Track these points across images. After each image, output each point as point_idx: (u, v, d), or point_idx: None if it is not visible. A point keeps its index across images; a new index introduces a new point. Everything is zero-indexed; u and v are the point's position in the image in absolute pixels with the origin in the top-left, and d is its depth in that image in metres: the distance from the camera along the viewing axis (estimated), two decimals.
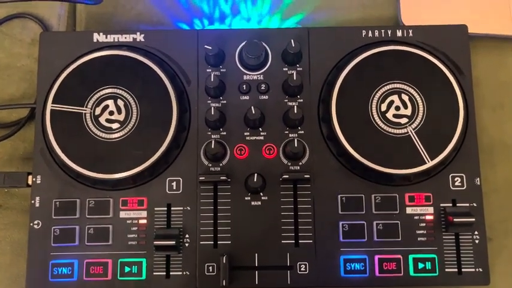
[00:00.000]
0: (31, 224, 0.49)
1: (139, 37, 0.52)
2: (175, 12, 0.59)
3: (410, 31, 0.52)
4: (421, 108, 0.49)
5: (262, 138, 0.50)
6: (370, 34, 0.52)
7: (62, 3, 0.59)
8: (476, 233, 0.49)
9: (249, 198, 0.49)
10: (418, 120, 0.49)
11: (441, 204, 0.49)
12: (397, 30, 0.52)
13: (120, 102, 0.49)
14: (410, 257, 0.48)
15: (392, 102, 0.49)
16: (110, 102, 0.49)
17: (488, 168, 0.54)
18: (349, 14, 0.58)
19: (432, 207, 0.49)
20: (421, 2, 0.57)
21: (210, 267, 0.48)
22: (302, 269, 0.48)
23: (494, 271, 0.50)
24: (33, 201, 0.49)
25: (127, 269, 0.48)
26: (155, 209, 0.49)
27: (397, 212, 0.49)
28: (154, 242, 0.47)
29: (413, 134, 0.48)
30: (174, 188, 0.49)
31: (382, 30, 0.52)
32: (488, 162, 0.54)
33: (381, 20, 0.58)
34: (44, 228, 0.49)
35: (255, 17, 0.58)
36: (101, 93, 0.50)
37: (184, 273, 0.48)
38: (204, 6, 0.58)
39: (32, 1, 0.58)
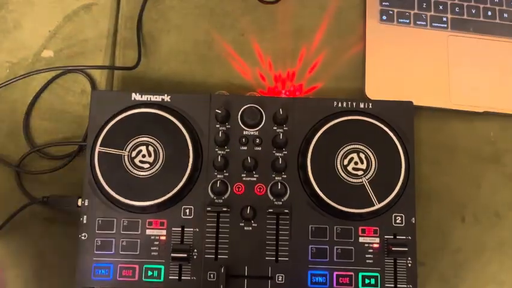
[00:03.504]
0: (79, 236, 0.59)
1: (167, 98, 0.63)
2: (192, 77, 0.70)
3: (370, 104, 0.63)
4: (373, 164, 0.60)
5: (255, 179, 0.61)
6: (340, 104, 0.63)
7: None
8: (409, 258, 0.59)
9: (243, 224, 0.59)
10: (371, 173, 0.60)
11: (385, 236, 0.59)
12: (360, 103, 0.63)
13: (151, 148, 0.60)
14: (360, 274, 0.58)
15: (352, 158, 0.60)
16: (143, 147, 0.60)
17: (424, 209, 0.65)
18: (326, 84, 0.70)
19: (378, 238, 0.59)
20: (382, 79, 0.69)
21: (212, 275, 0.58)
22: (279, 279, 0.58)
23: (425, 286, 0.62)
24: (81, 219, 0.59)
25: (150, 273, 0.58)
26: (172, 229, 0.59)
27: (352, 240, 0.59)
28: (172, 254, 0.57)
29: (367, 183, 0.60)
30: (187, 214, 0.60)
31: (349, 102, 0.63)
32: (424, 205, 0.65)
33: (351, 90, 0.70)
34: (89, 239, 0.59)
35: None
36: (137, 140, 0.60)
37: (192, 278, 0.58)
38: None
39: (81, 68, 0.70)
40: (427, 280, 0.64)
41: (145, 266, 0.59)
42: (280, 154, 0.62)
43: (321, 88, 0.71)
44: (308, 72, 0.72)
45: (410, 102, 0.64)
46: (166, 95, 0.64)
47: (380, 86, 0.70)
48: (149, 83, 0.71)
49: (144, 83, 0.71)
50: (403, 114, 0.64)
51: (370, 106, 0.64)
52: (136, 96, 0.64)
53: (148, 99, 0.64)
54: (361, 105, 0.64)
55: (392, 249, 0.59)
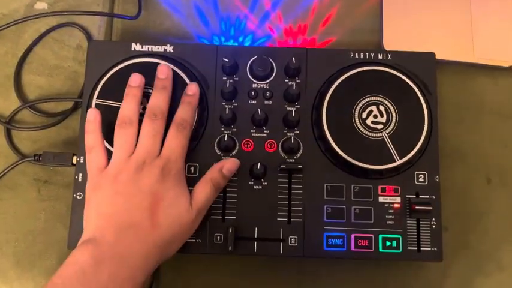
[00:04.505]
0: (74, 195, 0.56)
1: (169, 48, 0.60)
2: (198, 29, 0.67)
3: (389, 55, 0.60)
4: (394, 118, 0.57)
5: (265, 135, 0.58)
6: (356, 56, 0.59)
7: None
8: (433, 219, 0.55)
9: (253, 183, 0.56)
10: (391, 127, 0.57)
11: (407, 195, 0.56)
12: (379, 54, 0.59)
13: None
14: (380, 236, 0.55)
15: (371, 111, 0.57)
16: (144, 100, 0.57)
17: (447, 171, 0.61)
18: (341, 38, 0.67)
19: (399, 197, 0.56)
20: (400, 32, 0.65)
21: (219, 237, 0.55)
22: (292, 242, 0.55)
23: (448, 252, 0.58)
24: (76, 177, 0.56)
25: None
26: None
27: (371, 199, 0.56)
28: None
29: (387, 137, 0.57)
30: (192, 172, 0.57)
31: (366, 53, 0.59)
32: (448, 166, 0.61)
33: (367, 45, 0.66)
34: (84, 198, 0.54)
35: (264, 37, 0.67)
36: None
37: (198, 240, 0.55)
38: (222, 25, 0.68)
39: (78, 14, 0.67)
40: (450, 246, 0.61)
41: None
42: (292, 108, 0.59)
43: (334, 42, 0.67)
44: (321, 26, 0.68)
45: (432, 53, 0.61)
46: (169, 45, 0.61)
47: (399, 38, 0.66)
48: (151, 38, 0.68)
49: (146, 39, 0.68)
50: (424, 66, 0.60)
51: (389, 57, 0.60)
52: (136, 47, 0.61)
53: (150, 50, 0.61)
54: (380, 56, 0.60)
55: (416, 208, 0.56)
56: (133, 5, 0.68)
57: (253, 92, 0.59)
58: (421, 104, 0.58)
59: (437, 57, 0.60)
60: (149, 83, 0.58)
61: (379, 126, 0.57)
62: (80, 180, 0.57)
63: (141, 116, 0.56)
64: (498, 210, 0.62)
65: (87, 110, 0.57)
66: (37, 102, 0.65)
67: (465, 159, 0.63)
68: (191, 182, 0.56)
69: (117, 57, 0.59)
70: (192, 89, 0.57)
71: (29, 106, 0.64)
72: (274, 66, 0.60)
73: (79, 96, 0.64)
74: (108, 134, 0.56)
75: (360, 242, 0.56)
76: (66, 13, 0.65)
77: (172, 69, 0.58)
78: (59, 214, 0.61)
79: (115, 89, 0.58)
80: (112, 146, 0.55)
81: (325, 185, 0.57)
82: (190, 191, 0.53)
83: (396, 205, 0.56)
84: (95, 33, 0.68)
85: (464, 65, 0.66)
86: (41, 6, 0.68)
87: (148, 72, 0.58)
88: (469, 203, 0.62)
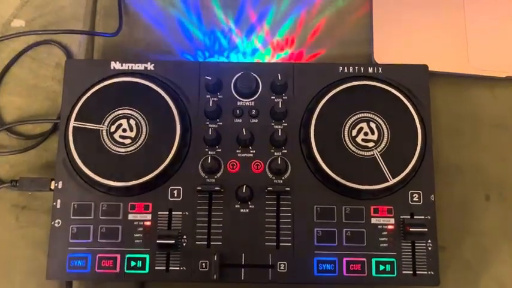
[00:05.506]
0: (52, 223, 0.54)
1: (150, 66, 0.58)
2: (181, 44, 0.65)
3: (380, 69, 0.57)
4: (385, 134, 0.55)
5: (251, 155, 0.56)
6: (345, 70, 0.57)
7: None
8: (429, 241, 0.53)
9: (239, 206, 0.54)
10: (383, 144, 0.55)
11: (401, 216, 0.54)
12: (369, 68, 0.57)
13: (132, 122, 0.55)
14: (373, 260, 0.53)
15: (361, 128, 0.55)
16: (124, 121, 0.55)
17: (444, 187, 0.59)
18: (330, 51, 0.64)
19: (393, 219, 0.54)
20: (391, 43, 0.63)
21: (204, 264, 0.53)
22: (281, 268, 0.53)
23: (446, 273, 0.56)
24: (55, 203, 0.54)
25: (133, 263, 0.53)
26: (158, 213, 0.54)
27: (363, 221, 0.54)
28: (158, 241, 0.52)
29: (379, 156, 0.54)
30: (175, 195, 0.54)
31: (356, 67, 0.57)
32: (444, 182, 0.59)
33: (357, 57, 0.64)
34: (64, 226, 0.54)
35: (249, 51, 0.65)
36: (116, 113, 0.55)
37: (182, 268, 0.53)
38: (206, 40, 0.66)
39: (56, 33, 0.65)
40: (448, 266, 0.58)
41: (127, 255, 0.54)
42: (279, 126, 0.57)
43: (323, 55, 0.65)
44: (309, 38, 0.66)
45: (425, 66, 0.59)
46: (149, 62, 0.59)
47: (390, 50, 0.64)
48: (131, 54, 0.66)
49: (128, 54, 0.66)
50: (417, 79, 0.58)
51: (380, 71, 0.58)
52: (115, 65, 0.59)
53: (130, 68, 0.59)
54: (370, 70, 0.59)
55: (410, 230, 0.53)
56: (115, 19, 0.66)
57: (238, 110, 0.57)
58: (414, 119, 0.56)
59: (430, 68, 0.59)
60: (129, 103, 0.56)
61: (370, 144, 0.55)
62: (58, 206, 0.55)
63: (122, 138, 0.55)
64: (498, 227, 0.60)
65: (64, 133, 0.56)
66: (15, 124, 0.62)
67: (462, 174, 0.61)
68: (175, 205, 0.54)
69: (96, 76, 0.58)
70: None
71: (6, 129, 0.62)
72: (260, 83, 0.58)
73: (58, 117, 0.62)
74: (86, 159, 0.54)
75: (352, 267, 0.53)
76: (41, 32, 0.63)
77: (153, 89, 0.56)
78: (39, 241, 0.59)
79: (93, 111, 0.56)
80: (92, 173, 0.53)
81: (315, 206, 0.55)
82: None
83: (390, 227, 0.54)
84: (75, 51, 0.66)
85: (459, 77, 0.64)
86: (18, 23, 0.66)
87: (128, 91, 0.56)
88: (467, 220, 0.60)
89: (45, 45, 0.66)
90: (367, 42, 0.65)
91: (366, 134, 0.55)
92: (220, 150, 0.56)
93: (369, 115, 0.56)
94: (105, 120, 0.56)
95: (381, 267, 0.53)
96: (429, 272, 0.53)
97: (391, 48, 0.64)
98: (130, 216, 0.54)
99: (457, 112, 0.63)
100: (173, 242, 0.52)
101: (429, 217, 0.54)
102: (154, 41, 0.66)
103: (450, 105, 0.63)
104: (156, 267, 0.53)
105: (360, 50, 0.65)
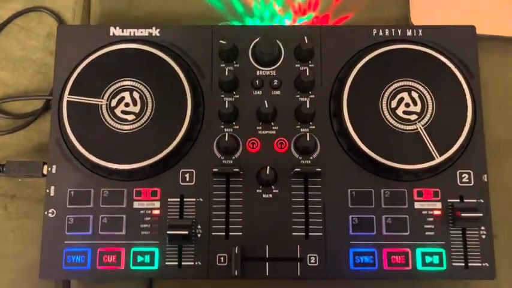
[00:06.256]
0: (45, 213, 0.49)
1: (155, 32, 0.52)
2: (189, 10, 0.59)
3: (420, 31, 0.52)
4: (430, 106, 0.50)
5: (274, 132, 0.51)
6: (380, 33, 0.53)
7: None
8: (482, 228, 0.49)
9: (261, 190, 0.50)
10: (427, 117, 0.49)
11: (449, 200, 0.49)
12: (407, 30, 0.53)
13: (136, 95, 0.50)
14: (418, 250, 0.48)
15: (402, 99, 0.50)
16: (126, 94, 0.50)
17: (494, 166, 0.53)
18: (359, 13, 0.59)
19: (440, 203, 0.49)
20: (431, 3, 0.58)
21: (222, 258, 0.48)
22: (312, 261, 0.48)
23: (499, 267, 0.50)
24: (48, 191, 0.49)
25: (140, 259, 0.48)
26: (168, 200, 0.49)
27: (406, 206, 0.49)
28: (168, 232, 0.47)
29: (423, 130, 0.49)
30: (187, 179, 0.50)
31: (393, 30, 0.53)
32: (494, 161, 0.53)
33: (391, 21, 0.59)
34: (59, 217, 0.49)
35: (267, 16, 0.59)
36: (117, 85, 0.50)
37: (196, 263, 0.48)
38: (217, 3, 0.59)
39: None
40: (500, 257, 0.52)
41: (133, 249, 0.49)
42: (305, 98, 0.52)
43: (351, 19, 0.60)
44: (335, 0, 0.60)
45: (472, 27, 0.53)
46: (154, 28, 0.53)
47: (429, 11, 0.58)
48: (132, 22, 0.59)
49: (126, 23, 0.58)
50: (463, 43, 0.53)
51: (420, 33, 0.53)
52: (115, 31, 0.53)
53: (132, 34, 0.53)
54: (409, 33, 0.53)
55: (461, 215, 0.48)
56: None
57: (257, 81, 0.52)
58: (462, 88, 0.51)
59: (477, 32, 0.53)
60: (130, 74, 0.50)
61: (413, 117, 0.50)
62: (52, 194, 0.50)
63: (124, 113, 0.50)
64: None
65: (58, 109, 0.50)
66: (1, 102, 0.57)
67: None
68: (187, 191, 0.50)
69: (92, 44, 0.52)
70: None
71: None
72: (282, 49, 0.53)
73: (50, 93, 0.56)
74: (82, 136, 0.49)
75: (394, 259, 0.49)
76: None
77: (160, 57, 0.51)
78: (31, 235, 0.54)
79: (91, 83, 0.50)
80: (91, 154, 0.48)
81: (349, 190, 0.50)
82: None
83: (436, 212, 0.50)
84: (68, 19, 0.61)
85: (508, 41, 0.58)
86: None
87: (130, 60, 0.51)
88: None
89: (35, 12, 0.60)
90: (401, 3, 0.59)
91: (407, 105, 0.50)
92: (237, 127, 0.51)
93: (410, 83, 0.50)
94: (105, 93, 0.50)
95: (428, 259, 0.48)
96: (483, 264, 0.49)
97: (430, 8, 0.58)
98: (136, 204, 0.49)
99: (507, 81, 0.57)
100: (186, 233, 0.48)
101: (482, 200, 0.50)
102: (158, 7, 0.59)
103: (497, 74, 0.58)
104: (167, 263, 0.48)
105: (393, 12, 0.59)
